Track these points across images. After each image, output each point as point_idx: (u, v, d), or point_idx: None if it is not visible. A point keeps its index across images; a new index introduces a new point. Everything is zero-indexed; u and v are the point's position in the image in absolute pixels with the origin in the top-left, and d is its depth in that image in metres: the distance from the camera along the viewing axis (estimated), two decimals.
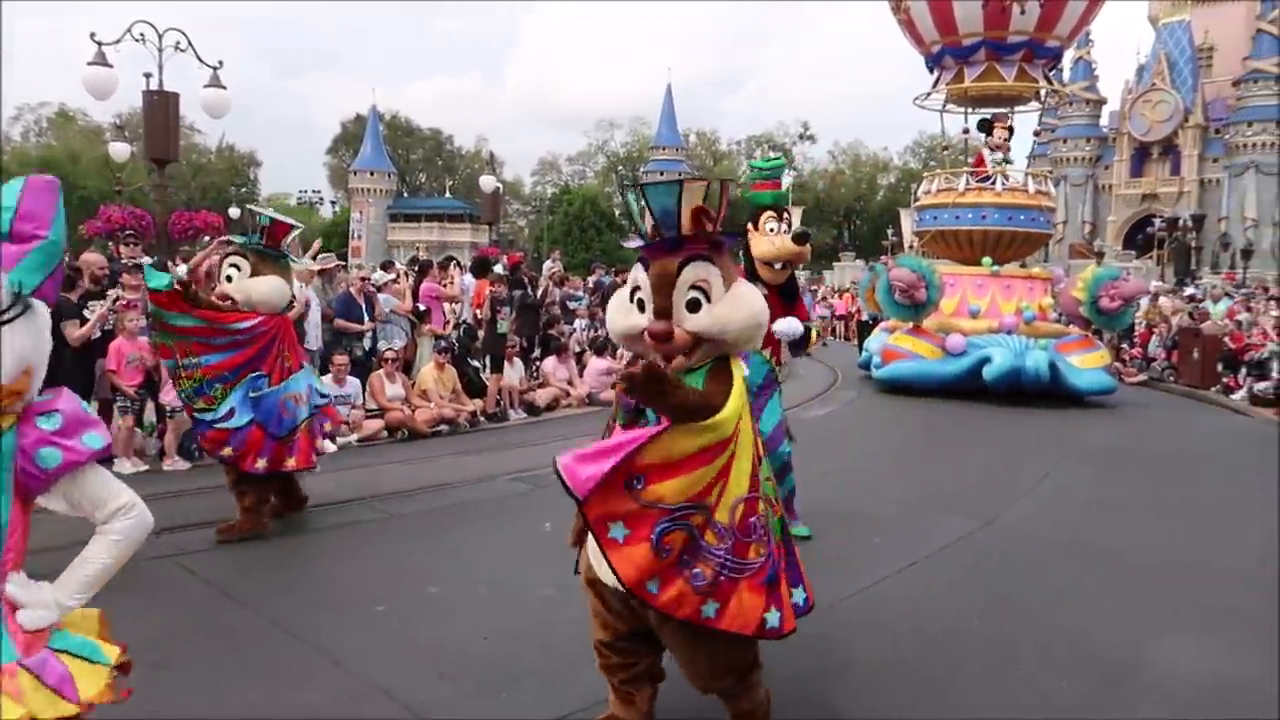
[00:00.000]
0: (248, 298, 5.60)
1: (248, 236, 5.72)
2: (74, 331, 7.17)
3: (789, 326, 5.06)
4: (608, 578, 2.67)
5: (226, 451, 5.52)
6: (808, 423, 11.05)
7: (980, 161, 15.28)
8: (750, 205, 5.72)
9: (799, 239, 5.35)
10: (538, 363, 12.30)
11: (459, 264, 16.41)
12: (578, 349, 13.14)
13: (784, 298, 5.42)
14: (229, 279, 5.64)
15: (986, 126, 15.10)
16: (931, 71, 16.37)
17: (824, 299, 27.17)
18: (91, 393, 7.47)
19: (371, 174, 62.93)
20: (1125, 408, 12.64)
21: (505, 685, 3.59)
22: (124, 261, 9.12)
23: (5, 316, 1.80)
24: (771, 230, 5.48)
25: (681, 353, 2.70)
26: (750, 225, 5.56)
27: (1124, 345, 17.34)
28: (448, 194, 65.42)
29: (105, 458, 2.04)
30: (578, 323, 14.23)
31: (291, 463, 5.72)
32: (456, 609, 4.48)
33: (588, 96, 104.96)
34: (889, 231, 49.33)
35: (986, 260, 14.45)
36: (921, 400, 12.54)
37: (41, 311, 1.92)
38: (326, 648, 3.93)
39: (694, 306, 2.66)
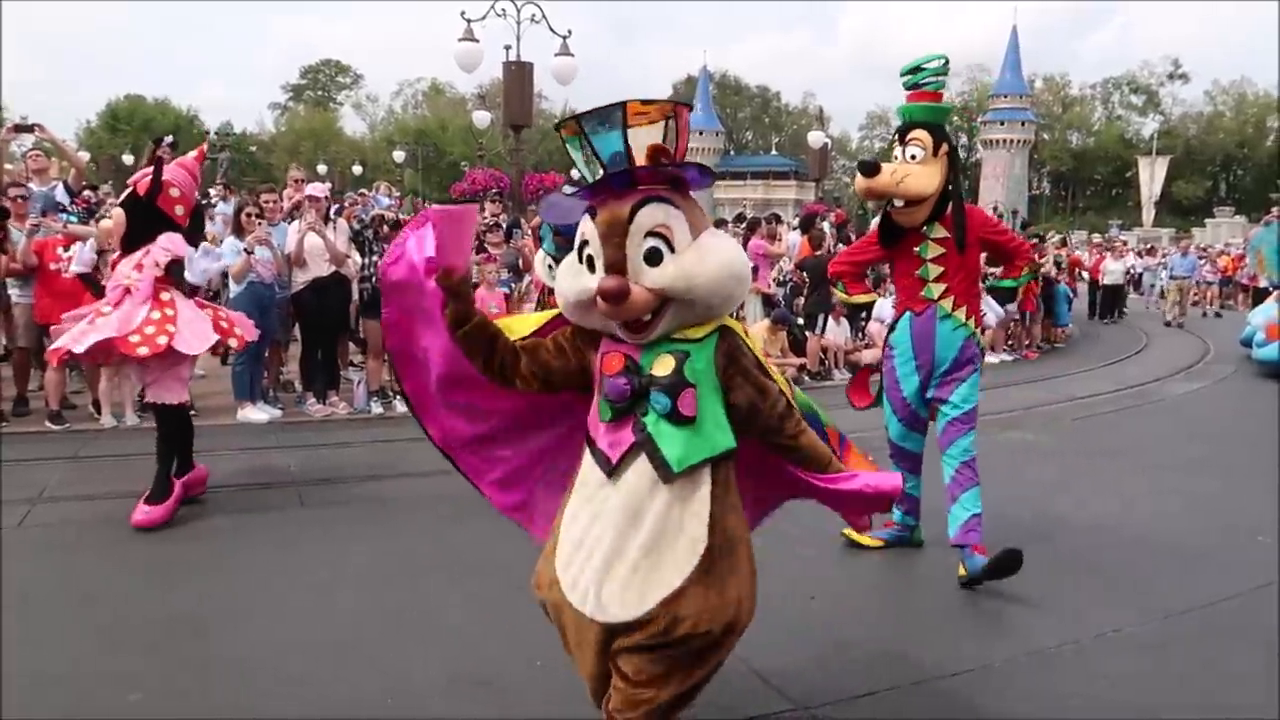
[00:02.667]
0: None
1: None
2: None
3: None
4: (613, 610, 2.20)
5: None
6: (1172, 399, 9.87)
7: None
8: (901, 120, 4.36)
9: (861, 168, 4.11)
10: (864, 323, 11.99)
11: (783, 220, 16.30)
12: None
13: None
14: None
15: None
16: None
17: (1208, 258, 23.46)
18: None
19: (700, 134, 64.20)
20: None
21: (837, 652, 3.54)
22: (487, 219, 10.05)
23: None
24: (896, 158, 4.20)
25: (642, 317, 2.16)
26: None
27: None
28: (774, 151, 65.50)
29: None
30: None
31: None
32: (777, 569, 4.47)
33: (923, 46, 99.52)
34: (1279, 182, 42.47)
35: None
36: None
37: None
38: None
39: (654, 258, 2.13)
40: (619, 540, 2.21)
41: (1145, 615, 3.88)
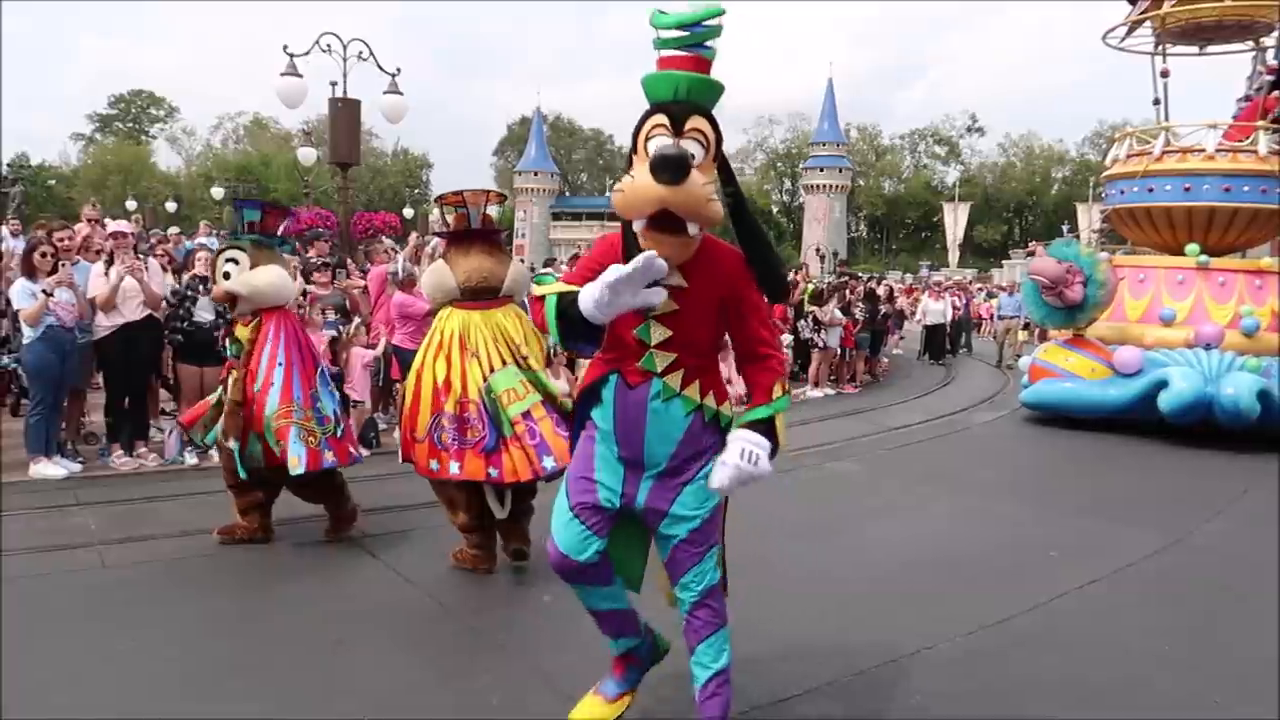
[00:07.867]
0: (253, 291, 5.21)
1: (238, 233, 5.43)
2: None
3: None
4: None
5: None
6: (974, 428, 10.65)
7: (1255, 114, 11.45)
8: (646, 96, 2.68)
9: (667, 166, 2.39)
10: None
11: None
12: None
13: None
14: (226, 275, 5.21)
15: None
16: (1132, 1, 12.68)
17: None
18: None
19: (535, 174, 64.83)
20: None
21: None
22: (313, 259, 9.73)
23: None
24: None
25: None
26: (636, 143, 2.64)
27: None
28: (608, 193, 66.62)
29: None
30: None
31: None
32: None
33: (750, 94, 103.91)
34: (1063, 227, 46.79)
35: (1192, 248, 11.05)
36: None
37: None
38: (492, 634, 4.04)
39: None
40: None
41: (954, 631, 4.14)
